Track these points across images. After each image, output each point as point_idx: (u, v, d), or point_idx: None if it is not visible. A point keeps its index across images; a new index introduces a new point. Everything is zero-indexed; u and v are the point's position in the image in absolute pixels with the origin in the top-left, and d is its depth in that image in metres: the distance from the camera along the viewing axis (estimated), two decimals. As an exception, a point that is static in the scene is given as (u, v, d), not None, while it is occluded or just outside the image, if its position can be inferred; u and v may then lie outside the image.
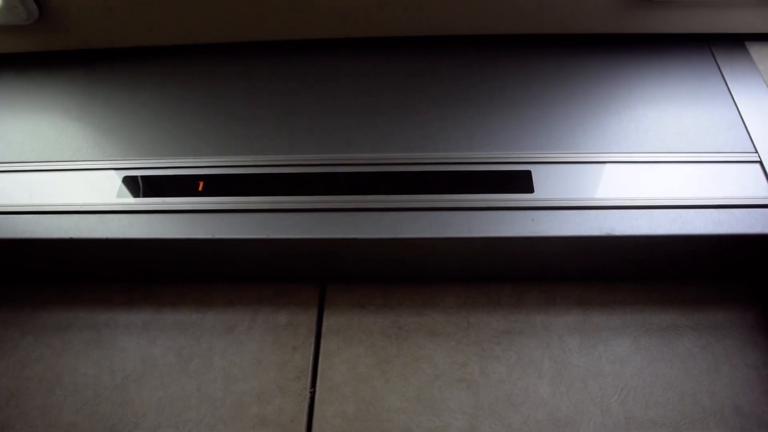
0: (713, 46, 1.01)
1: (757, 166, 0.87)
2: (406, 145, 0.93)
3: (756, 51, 1.00)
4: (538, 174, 0.88)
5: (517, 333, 0.90)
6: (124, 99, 1.04)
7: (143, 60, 1.09)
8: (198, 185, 0.91)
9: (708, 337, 0.88)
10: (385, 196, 0.88)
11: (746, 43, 1.01)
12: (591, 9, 0.96)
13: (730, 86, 0.96)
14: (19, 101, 1.06)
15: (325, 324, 0.92)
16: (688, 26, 0.98)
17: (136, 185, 0.92)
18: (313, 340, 0.90)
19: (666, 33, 1.00)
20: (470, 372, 0.87)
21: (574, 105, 0.96)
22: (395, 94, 1.00)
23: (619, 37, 1.02)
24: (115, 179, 0.93)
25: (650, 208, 0.84)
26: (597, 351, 0.88)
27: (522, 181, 0.88)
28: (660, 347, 0.88)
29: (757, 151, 0.89)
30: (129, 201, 0.91)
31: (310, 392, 0.86)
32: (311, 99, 1.00)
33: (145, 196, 0.91)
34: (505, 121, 0.94)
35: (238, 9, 1.00)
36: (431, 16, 0.99)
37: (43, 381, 0.90)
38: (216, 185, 0.91)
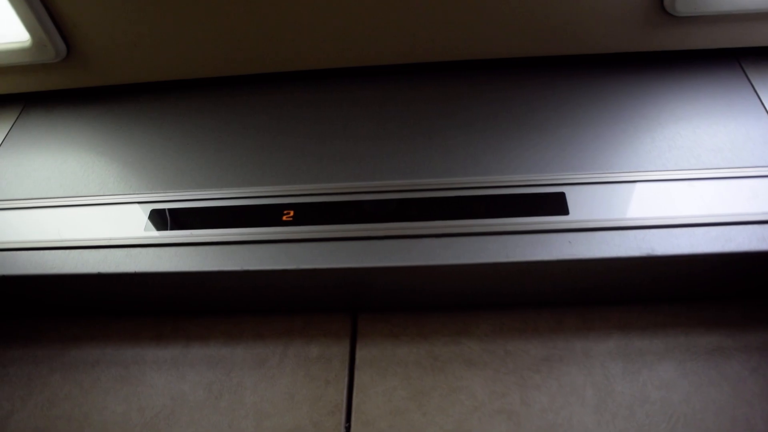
0: (742, 60, 1.00)
1: (799, 179, 0.85)
2: (435, 171, 0.92)
3: (787, 64, 0.99)
4: (572, 195, 0.86)
5: (556, 360, 0.86)
6: (149, 133, 1.05)
7: (167, 94, 1.10)
8: (225, 217, 0.91)
9: (758, 359, 0.84)
10: (416, 222, 0.86)
11: (776, 56, 1.00)
12: (617, 28, 0.95)
13: (763, 100, 0.94)
14: (46, 138, 1.07)
15: (358, 356, 0.89)
16: (716, 41, 0.97)
17: (164, 218, 0.92)
18: (346, 372, 0.88)
19: (694, 49, 0.98)
20: (510, 402, 0.84)
21: (604, 125, 0.94)
22: (423, 120, 0.99)
23: (646, 55, 1.01)
24: (142, 213, 0.93)
25: (690, 226, 0.82)
26: (641, 377, 0.84)
27: (556, 203, 0.86)
28: (707, 371, 0.84)
29: (797, 165, 0.86)
30: (156, 234, 0.90)
31: (346, 427, 0.83)
32: (339, 127, 1.00)
33: (172, 229, 0.90)
34: (535, 143, 0.93)
35: (262, 42, 1.01)
36: (458, 41, 0.99)
37: (71, 420, 0.88)
38: (243, 217, 0.90)
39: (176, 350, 0.93)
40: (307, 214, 0.89)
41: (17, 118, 1.11)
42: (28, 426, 0.88)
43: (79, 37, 1.01)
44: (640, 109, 0.96)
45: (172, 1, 0.95)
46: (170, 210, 0.93)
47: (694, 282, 0.86)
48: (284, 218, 0.89)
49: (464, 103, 1.00)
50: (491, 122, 0.97)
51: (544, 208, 0.86)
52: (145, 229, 0.91)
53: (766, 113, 0.93)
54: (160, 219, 0.92)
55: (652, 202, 0.85)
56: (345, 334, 0.91)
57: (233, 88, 1.09)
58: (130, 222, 0.92)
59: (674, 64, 1.01)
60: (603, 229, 0.83)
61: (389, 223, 0.87)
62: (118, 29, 0.99)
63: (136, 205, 0.94)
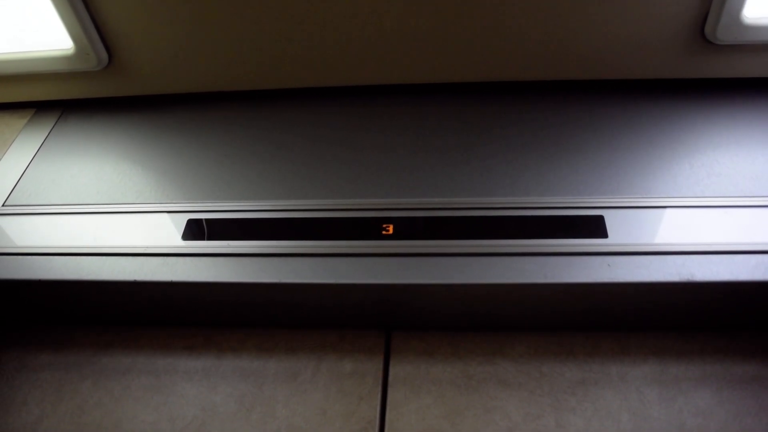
0: (780, 90, 1.01)
1: (839, 209, 0.85)
2: (473, 190, 0.92)
3: (824, 94, 1.00)
4: (611, 219, 0.87)
5: (592, 384, 0.86)
6: (187, 144, 1.05)
7: (205, 105, 1.11)
8: (264, 229, 0.91)
9: (796, 390, 0.84)
10: (454, 241, 0.86)
11: (813, 86, 1.01)
12: (658, 55, 0.96)
13: (801, 130, 0.95)
14: (84, 145, 1.08)
15: (391, 373, 0.89)
16: (756, 70, 0.98)
17: (201, 229, 0.92)
18: (379, 389, 0.87)
19: (733, 78, 0.99)
20: (545, 425, 0.83)
21: (642, 150, 0.95)
22: (462, 139, 1.00)
23: (686, 82, 1.02)
24: (179, 222, 0.93)
25: (730, 254, 0.82)
26: (677, 403, 0.84)
27: (595, 226, 0.86)
28: (745, 400, 0.83)
29: (837, 195, 0.86)
30: (193, 244, 0.90)
31: (379, 444, 0.83)
32: (377, 144, 1.01)
33: (209, 239, 0.91)
34: (574, 166, 0.94)
35: (301, 56, 1.02)
36: (496, 62, 1.00)
37: (101, 427, 0.88)
38: (283, 229, 0.90)
39: (208, 361, 0.93)
40: (344, 228, 0.89)
41: (55, 124, 1.12)
42: (57, 432, 0.88)
43: (122, 47, 1.02)
44: (678, 135, 0.96)
45: (215, 13, 0.96)
46: (207, 220, 0.93)
47: (732, 309, 0.86)
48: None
49: (501, 124, 1.01)
50: (528, 143, 0.97)
51: (583, 231, 0.86)
52: (182, 239, 0.91)
53: (804, 143, 0.93)
54: (197, 229, 0.92)
55: (692, 228, 0.85)
56: (379, 350, 0.91)
57: (273, 101, 1.10)
58: (166, 231, 0.92)
59: (713, 92, 1.01)
60: (642, 253, 0.83)
61: (426, 241, 0.87)
62: (161, 40, 1.01)
63: (173, 215, 0.95)
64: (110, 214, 0.96)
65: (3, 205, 0.99)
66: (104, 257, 0.90)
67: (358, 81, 1.06)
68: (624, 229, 0.85)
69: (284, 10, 0.95)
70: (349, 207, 0.92)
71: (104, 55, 1.02)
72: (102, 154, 1.06)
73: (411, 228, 0.88)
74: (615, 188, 0.90)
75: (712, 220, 0.85)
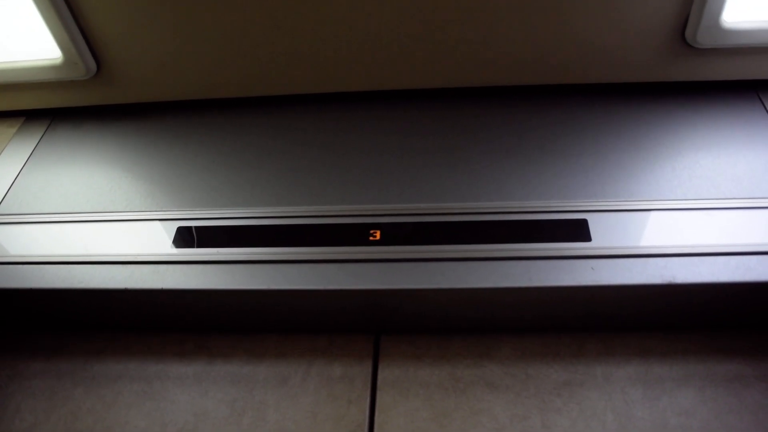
0: (761, 93, 1.02)
1: (818, 211, 0.86)
2: (458, 195, 0.93)
3: (804, 97, 1.01)
4: (595, 222, 0.88)
5: (577, 384, 0.87)
6: (175, 152, 1.06)
7: (193, 113, 1.12)
8: (253, 236, 0.92)
9: (777, 388, 0.85)
10: (441, 246, 0.87)
11: (793, 89, 1.02)
12: (640, 59, 0.98)
13: (781, 132, 0.96)
14: (73, 153, 1.08)
15: (380, 376, 0.90)
16: (736, 73, 0.99)
17: (191, 236, 0.93)
18: (368, 393, 0.89)
19: (714, 80, 1.01)
20: (532, 425, 0.84)
21: (625, 153, 0.96)
22: (447, 145, 1.01)
23: (667, 85, 1.03)
24: (169, 230, 0.94)
25: (711, 255, 0.83)
26: (661, 403, 0.85)
27: (579, 230, 0.87)
28: (727, 398, 0.85)
29: (815, 197, 0.88)
30: (183, 251, 0.91)
31: (368, 447, 0.84)
32: (364, 150, 1.02)
33: (199, 246, 0.91)
34: (558, 170, 0.95)
35: (287, 63, 1.03)
36: (481, 67, 1.01)
37: (94, 435, 0.89)
38: (271, 236, 0.91)
39: (199, 367, 0.94)
40: (333, 234, 0.90)
41: (44, 133, 1.12)
42: (51, 440, 0.89)
43: (110, 56, 1.03)
44: (661, 138, 0.97)
45: (202, 21, 0.97)
46: (197, 228, 0.94)
47: (713, 310, 0.88)
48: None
49: (486, 129, 1.02)
50: (515, 148, 0.99)
51: (567, 235, 0.87)
52: (172, 246, 0.92)
53: (784, 145, 0.95)
54: (187, 236, 0.93)
55: (673, 230, 0.86)
56: (368, 354, 0.92)
57: (259, 108, 1.11)
58: (156, 239, 0.93)
59: (694, 95, 1.03)
60: (625, 256, 0.84)
61: (414, 246, 0.88)
62: (149, 48, 1.01)
63: (163, 222, 0.96)
64: (101, 222, 0.97)
65: (-6, 215, 1.00)
66: (95, 265, 0.91)
67: (345, 87, 1.07)
68: (607, 232, 0.87)
69: (270, 18, 0.96)
70: (336, 213, 0.93)
71: (92, 64, 1.03)
72: (92, 162, 1.06)
73: (398, 233, 0.90)
74: (598, 192, 0.92)
75: (693, 223, 0.87)
